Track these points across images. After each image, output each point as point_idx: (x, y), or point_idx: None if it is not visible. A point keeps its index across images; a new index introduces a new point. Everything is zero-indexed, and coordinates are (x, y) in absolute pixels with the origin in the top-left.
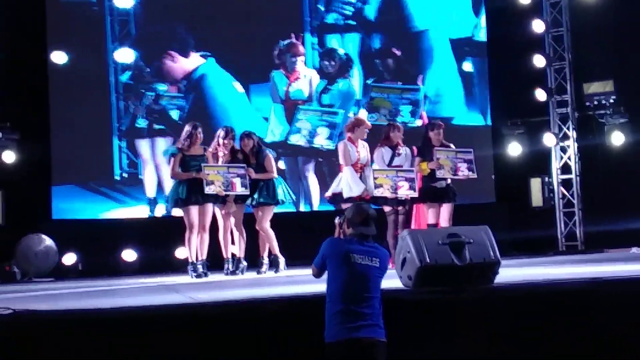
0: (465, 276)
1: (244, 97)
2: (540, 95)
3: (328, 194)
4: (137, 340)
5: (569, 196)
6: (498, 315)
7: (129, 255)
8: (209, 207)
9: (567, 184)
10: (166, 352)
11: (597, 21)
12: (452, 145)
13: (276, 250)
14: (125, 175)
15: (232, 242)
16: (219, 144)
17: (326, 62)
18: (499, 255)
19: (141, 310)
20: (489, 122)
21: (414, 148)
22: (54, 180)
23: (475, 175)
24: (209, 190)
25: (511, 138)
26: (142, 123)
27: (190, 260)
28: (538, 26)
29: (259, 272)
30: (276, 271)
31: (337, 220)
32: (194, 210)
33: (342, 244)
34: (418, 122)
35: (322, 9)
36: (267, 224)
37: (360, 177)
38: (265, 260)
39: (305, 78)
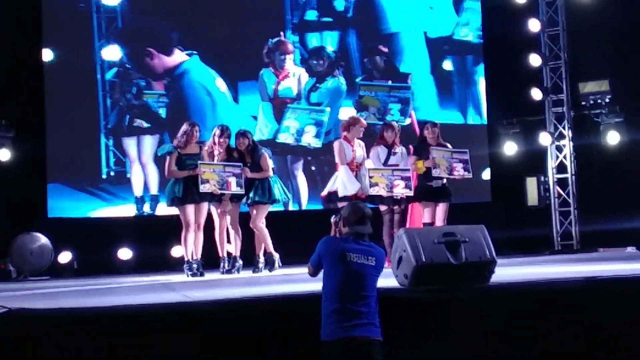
0: (461, 275)
1: (227, 96)
2: (536, 94)
3: (324, 193)
4: (133, 339)
5: (565, 195)
6: (494, 314)
7: (125, 253)
8: (205, 205)
9: (562, 183)
10: (162, 351)
11: (593, 20)
12: (448, 145)
13: (270, 248)
14: (112, 173)
15: (228, 241)
16: (214, 143)
17: (315, 61)
18: (494, 254)
19: (137, 309)
20: (469, 121)
21: (410, 147)
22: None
23: (470, 175)
24: (203, 188)
25: (507, 137)
26: (129, 121)
27: (186, 259)
28: (534, 25)
29: (254, 271)
30: (271, 269)
31: (333, 219)
32: (191, 208)
33: (338, 243)
34: (408, 121)
35: (302, 5)
36: (260, 223)
37: (356, 176)
38: (261, 259)
39: (294, 76)
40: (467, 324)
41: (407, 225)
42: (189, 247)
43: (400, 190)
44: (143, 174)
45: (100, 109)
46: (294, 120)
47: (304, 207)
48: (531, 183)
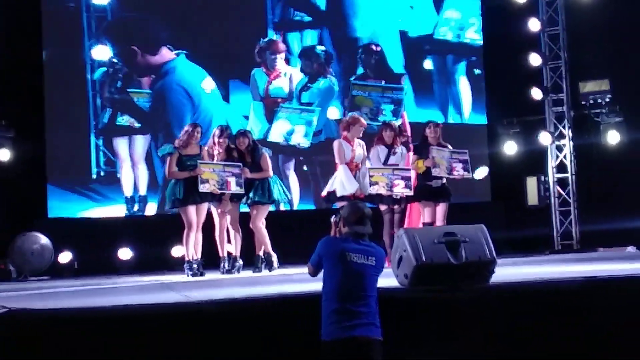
0: (461, 275)
1: (214, 95)
2: (536, 94)
3: (323, 193)
4: (132, 339)
5: (565, 195)
6: (494, 314)
7: (125, 253)
8: (205, 206)
9: (562, 182)
10: (162, 351)
11: (593, 20)
12: (449, 146)
13: (269, 248)
14: (102, 173)
15: (228, 241)
16: (214, 143)
17: (306, 61)
18: (494, 254)
19: (137, 309)
20: (449, 120)
21: (411, 146)
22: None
23: (470, 175)
24: (203, 188)
25: (507, 137)
26: (120, 121)
27: (186, 259)
28: (534, 25)
29: (254, 271)
30: (270, 269)
31: (333, 219)
32: (192, 209)
33: (338, 243)
34: (399, 122)
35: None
36: (260, 223)
37: (356, 176)
38: (262, 259)
39: (286, 76)
40: (467, 324)
41: (405, 225)
42: (190, 247)
43: (400, 189)
44: (133, 174)
45: (90, 108)
46: (285, 119)
47: (295, 207)
48: (531, 183)
